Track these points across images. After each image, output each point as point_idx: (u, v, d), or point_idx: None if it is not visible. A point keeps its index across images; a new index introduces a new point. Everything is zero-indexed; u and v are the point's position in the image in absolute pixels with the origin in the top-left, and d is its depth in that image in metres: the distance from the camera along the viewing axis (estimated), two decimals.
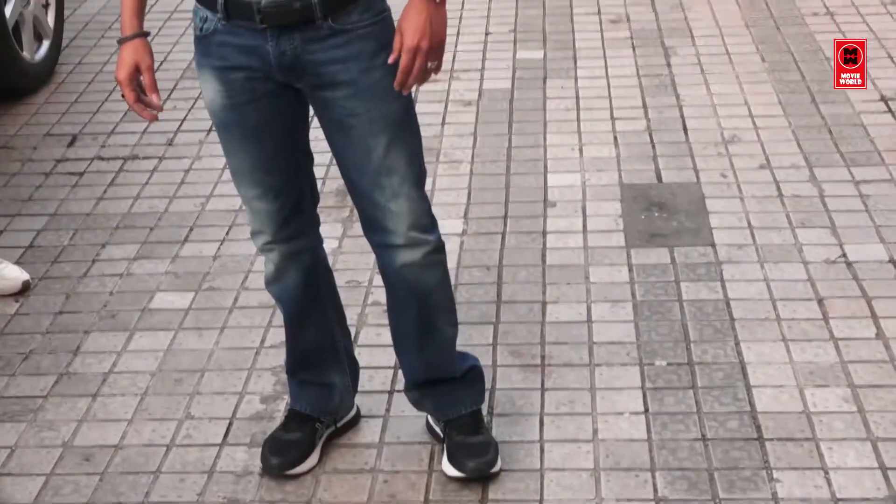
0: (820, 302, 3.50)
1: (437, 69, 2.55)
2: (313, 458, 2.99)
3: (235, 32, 2.58)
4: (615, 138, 4.53)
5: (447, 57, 3.04)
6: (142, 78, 2.63)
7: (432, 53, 2.52)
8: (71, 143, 4.69)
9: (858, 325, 3.40)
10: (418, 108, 2.71)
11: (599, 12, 5.77)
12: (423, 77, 2.53)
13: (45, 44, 5.32)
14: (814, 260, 3.71)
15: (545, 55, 5.31)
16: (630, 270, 3.70)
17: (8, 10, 4.99)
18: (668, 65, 5.15)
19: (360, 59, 2.57)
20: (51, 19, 5.39)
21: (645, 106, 4.78)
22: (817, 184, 4.14)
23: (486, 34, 5.56)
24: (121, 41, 2.64)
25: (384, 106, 2.61)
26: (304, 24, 2.54)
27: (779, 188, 4.13)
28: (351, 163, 2.68)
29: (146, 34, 2.65)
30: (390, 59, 2.52)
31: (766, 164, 4.29)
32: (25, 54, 5.10)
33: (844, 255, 3.72)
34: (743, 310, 3.48)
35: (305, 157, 2.79)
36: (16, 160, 4.56)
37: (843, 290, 3.56)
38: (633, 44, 5.39)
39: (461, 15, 5.76)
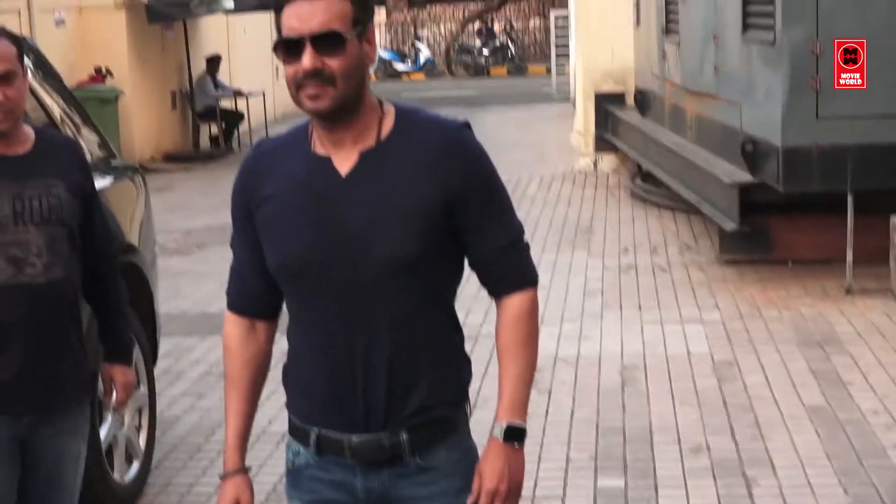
0: None
1: None
2: None
3: (326, 467, 2.66)
4: None
5: (528, 483, 3.09)
6: None
7: (510, 496, 2.58)
8: None
9: None
10: None
11: (679, 441, 5.80)
12: None
13: (136, 465, 5.38)
14: None
15: (626, 483, 5.31)
16: None
17: (103, 432, 5.12)
18: (750, 495, 5.13)
19: (447, 496, 2.64)
20: (143, 441, 5.49)
21: None
22: None
23: (567, 461, 5.59)
24: (223, 476, 2.73)
25: None
26: (393, 462, 2.62)
27: None
28: None
29: (248, 469, 2.74)
30: (469, 502, 2.58)
31: None
32: (116, 476, 5.17)
33: None
34: None
35: None
36: None
37: None
38: (713, 473, 5.38)
39: (542, 441, 5.81)
